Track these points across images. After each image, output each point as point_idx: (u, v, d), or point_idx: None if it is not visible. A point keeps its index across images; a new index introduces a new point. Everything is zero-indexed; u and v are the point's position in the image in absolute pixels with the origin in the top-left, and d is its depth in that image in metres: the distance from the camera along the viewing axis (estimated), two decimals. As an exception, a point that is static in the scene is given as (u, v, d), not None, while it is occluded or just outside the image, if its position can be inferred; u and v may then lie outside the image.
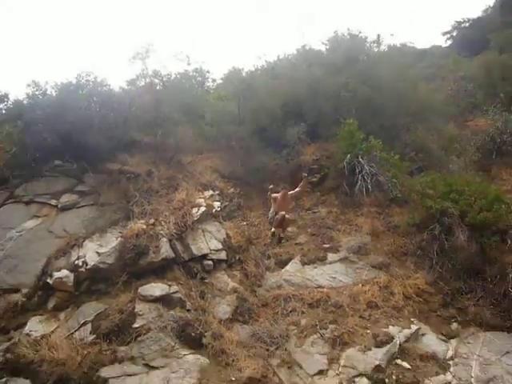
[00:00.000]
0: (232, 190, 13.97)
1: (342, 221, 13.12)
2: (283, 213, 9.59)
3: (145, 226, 11.14)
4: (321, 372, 9.25)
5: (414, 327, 9.98)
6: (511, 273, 10.12)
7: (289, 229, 12.95)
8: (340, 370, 9.20)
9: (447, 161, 14.94)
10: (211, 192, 13.20)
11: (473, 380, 8.77)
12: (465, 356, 9.29)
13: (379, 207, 13.31)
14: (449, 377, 8.92)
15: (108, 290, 10.33)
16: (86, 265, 10.32)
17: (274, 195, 10.05)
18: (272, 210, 9.97)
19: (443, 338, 9.86)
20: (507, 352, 9.21)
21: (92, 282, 10.38)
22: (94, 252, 10.59)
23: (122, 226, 11.39)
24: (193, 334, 9.65)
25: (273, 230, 9.75)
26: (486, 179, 13.19)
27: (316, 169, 14.85)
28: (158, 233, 11.10)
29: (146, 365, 9.14)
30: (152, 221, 11.40)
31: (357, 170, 13.37)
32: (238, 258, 12.01)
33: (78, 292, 10.21)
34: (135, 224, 11.20)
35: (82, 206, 11.89)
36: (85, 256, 10.49)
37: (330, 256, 11.95)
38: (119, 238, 10.90)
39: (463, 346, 9.58)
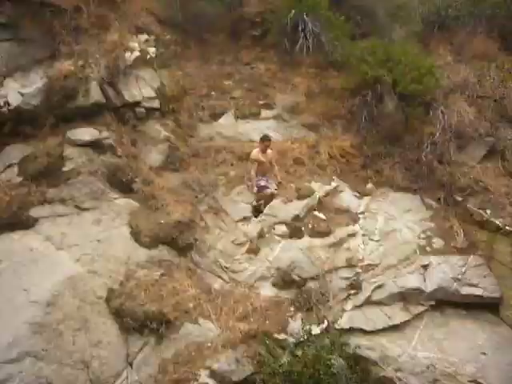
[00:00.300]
0: (169, 36, 13.01)
1: (279, 79, 13.02)
2: (275, 192, 9.69)
3: (73, 68, 10.34)
4: (245, 219, 10.06)
5: (333, 184, 10.82)
6: (427, 142, 10.90)
7: (225, 82, 12.80)
8: (262, 217, 10.03)
9: (390, 29, 14.74)
10: (146, 37, 12.22)
11: (376, 231, 9.92)
12: (374, 211, 10.36)
13: (317, 69, 13.24)
14: (357, 227, 10.01)
15: (35, 133, 9.95)
16: (9, 105, 9.71)
17: (254, 156, 9.83)
18: (253, 172, 9.81)
19: (358, 195, 10.82)
20: (409, 210, 10.37)
21: (16, 124, 9.87)
22: (16, 92, 9.90)
23: (48, 66, 10.49)
24: (123, 179, 9.83)
25: (255, 203, 9.69)
26: (423, 52, 13.26)
27: (259, 22, 14.16)
28: (87, 76, 10.42)
29: (77, 206, 9.33)
30: (81, 62, 10.55)
31: (300, 28, 12.90)
32: (171, 107, 11.73)
33: (1, 134, 9.76)
34: (62, 64, 10.38)
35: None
36: (6, 96, 9.78)
37: (264, 112, 12.12)
38: (44, 79, 10.16)
39: (374, 202, 10.61)
